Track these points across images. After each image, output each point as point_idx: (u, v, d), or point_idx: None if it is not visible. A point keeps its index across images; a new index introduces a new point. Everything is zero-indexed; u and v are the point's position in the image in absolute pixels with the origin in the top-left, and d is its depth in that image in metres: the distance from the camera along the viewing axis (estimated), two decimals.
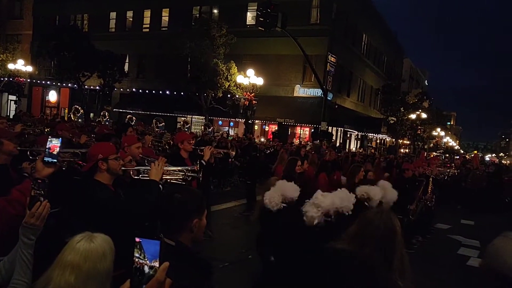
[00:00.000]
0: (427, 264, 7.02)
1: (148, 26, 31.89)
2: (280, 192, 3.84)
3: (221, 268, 5.86)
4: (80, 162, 3.75)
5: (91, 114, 26.23)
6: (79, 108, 12.60)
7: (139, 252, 1.24)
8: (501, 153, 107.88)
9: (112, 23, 33.56)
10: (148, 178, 3.24)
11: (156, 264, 1.24)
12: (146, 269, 1.25)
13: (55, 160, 2.42)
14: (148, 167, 3.35)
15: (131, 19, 32.89)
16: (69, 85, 28.24)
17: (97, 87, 27.18)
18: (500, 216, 11.77)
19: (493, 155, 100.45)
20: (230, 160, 11.72)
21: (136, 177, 3.46)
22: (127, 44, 30.43)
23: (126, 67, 30.10)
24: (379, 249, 2.05)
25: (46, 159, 2.41)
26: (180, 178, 3.62)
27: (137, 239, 1.26)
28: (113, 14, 33.30)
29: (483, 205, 13.12)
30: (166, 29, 29.61)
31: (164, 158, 3.76)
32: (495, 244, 1.53)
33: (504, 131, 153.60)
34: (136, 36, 30.97)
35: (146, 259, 1.24)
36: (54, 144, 2.43)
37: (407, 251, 6.81)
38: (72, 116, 11.97)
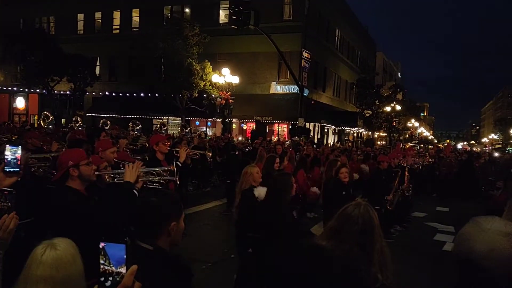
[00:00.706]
0: (405, 251, 7.17)
1: (118, 27, 31.30)
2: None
3: (203, 269, 5.83)
4: (54, 172, 3.64)
5: (63, 120, 25.54)
6: (49, 114, 12.22)
7: (104, 258, 1.19)
8: (472, 141, 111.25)
9: (80, 25, 32.79)
10: (122, 181, 3.16)
11: (123, 270, 1.19)
12: (112, 275, 1.20)
13: (18, 169, 2.31)
14: (123, 171, 3.28)
15: (100, 20, 32.21)
16: (38, 90, 27.45)
17: (68, 92, 26.47)
18: (473, 201, 12.13)
19: (465, 143, 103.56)
20: (209, 160, 11.64)
21: (111, 181, 3.38)
22: (97, 47, 29.80)
23: (97, 70, 29.46)
24: (358, 243, 2.05)
25: (6, 168, 2.29)
26: (156, 183, 3.56)
27: (101, 244, 1.20)
28: (80, 16, 32.55)
29: (457, 192, 13.52)
30: (137, 30, 29.18)
31: (140, 162, 3.68)
32: (464, 230, 1.53)
33: (475, 119, 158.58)
34: (106, 38, 30.36)
35: (111, 265, 1.20)
36: (13, 152, 2.32)
37: (386, 241, 6.96)
38: (42, 123, 11.61)
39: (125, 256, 1.21)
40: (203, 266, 5.91)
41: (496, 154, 25.37)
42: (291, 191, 3.95)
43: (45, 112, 12.56)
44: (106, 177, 3.48)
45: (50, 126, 11.48)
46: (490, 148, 59.19)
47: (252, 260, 4.09)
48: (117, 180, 3.39)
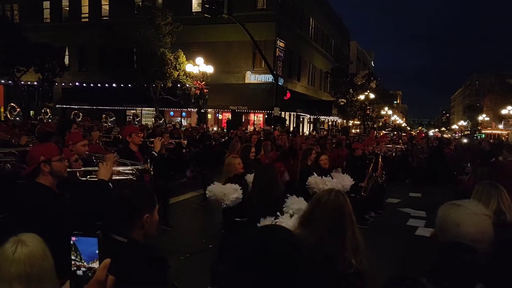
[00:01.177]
0: (380, 237, 7.32)
1: (87, 15, 30.35)
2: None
3: (182, 260, 5.81)
4: (24, 166, 3.50)
5: (31, 112, 24.70)
6: (16, 106, 11.75)
7: (75, 253, 1.15)
8: (443, 128, 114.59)
9: (47, 13, 31.60)
10: (96, 179, 3.09)
11: (95, 264, 1.15)
12: (84, 270, 1.16)
13: None
14: (96, 168, 3.20)
15: (67, 8, 31.14)
16: (3, 81, 26.34)
17: (36, 83, 25.57)
18: (445, 186, 12.52)
19: (436, 130, 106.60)
20: (184, 150, 11.52)
21: (83, 178, 3.29)
22: (65, 36, 28.83)
23: (66, 60, 28.56)
24: (329, 230, 2.07)
25: None
26: (130, 176, 3.50)
27: (72, 239, 1.16)
28: (46, 4, 31.37)
29: (429, 178, 13.91)
30: (107, 18, 28.34)
31: (112, 155, 3.60)
32: (447, 215, 1.56)
33: (445, 107, 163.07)
34: (75, 27, 29.40)
35: (83, 261, 1.16)
36: None
37: (361, 227, 7.07)
38: (8, 115, 11.16)
39: (97, 251, 1.18)
40: (181, 257, 5.88)
41: (465, 140, 26.22)
42: (277, 180, 4.12)
43: (12, 103, 12.05)
44: (78, 174, 3.38)
45: (18, 118, 11.04)
46: (460, 134, 61.16)
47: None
48: (89, 177, 3.29)
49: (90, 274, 1.17)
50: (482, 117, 58.10)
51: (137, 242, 1.85)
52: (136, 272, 1.69)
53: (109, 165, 3.15)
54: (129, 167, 3.65)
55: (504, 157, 7.43)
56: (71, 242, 1.17)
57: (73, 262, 1.17)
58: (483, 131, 53.89)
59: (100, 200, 2.79)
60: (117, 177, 3.41)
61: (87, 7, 30.27)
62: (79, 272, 1.17)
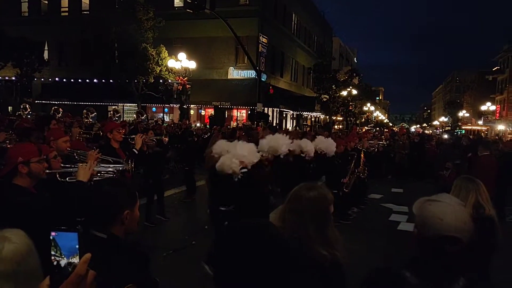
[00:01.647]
0: (363, 232, 7.44)
1: (66, 9, 29.72)
2: (237, 157, 4.12)
3: (165, 256, 5.79)
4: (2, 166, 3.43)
5: (9, 108, 24.12)
6: None
7: (55, 249, 1.14)
8: (424, 124, 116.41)
9: (24, 7, 30.81)
10: (75, 180, 3.07)
11: (75, 259, 1.15)
12: (63, 264, 1.16)
13: None
14: (75, 169, 3.16)
15: (46, 2, 30.41)
16: None
17: (14, 78, 24.95)
18: (426, 182, 12.76)
19: (418, 126, 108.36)
20: (166, 144, 11.44)
21: (62, 179, 3.25)
22: (44, 30, 28.16)
23: (45, 55, 27.95)
24: (293, 221, 2.10)
25: None
26: (110, 172, 3.47)
27: (52, 233, 1.15)
28: None
29: (411, 174, 14.16)
30: (88, 12, 27.83)
31: (94, 152, 3.56)
32: (428, 212, 1.60)
33: (426, 103, 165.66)
34: (54, 21, 28.72)
35: (63, 256, 1.15)
36: None
37: (344, 222, 7.17)
38: None
39: (77, 246, 1.16)
40: (164, 253, 5.85)
41: (446, 136, 26.71)
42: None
43: None
44: (57, 174, 3.33)
45: None
46: (441, 130, 62.27)
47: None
48: (69, 179, 3.25)
49: (70, 269, 1.16)
50: (462, 113, 59.22)
51: (117, 237, 1.85)
52: (116, 268, 1.69)
53: (89, 165, 3.12)
54: (110, 169, 3.62)
55: (479, 152, 7.64)
56: (51, 237, 1.16)
57: (52, 258, 1.16)
58: (463, 127, 54.99)
59: (79, 200, 2.76)
60: (98, 178, 3.39)
61: (67, 1, 29.63)
62: (60, 268, 1.17)
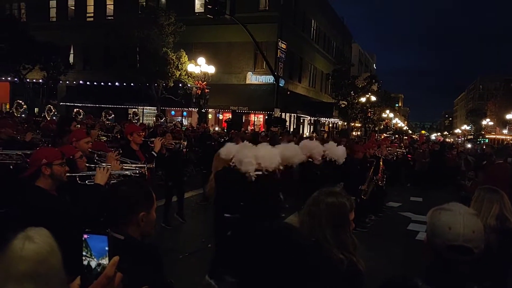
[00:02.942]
0: (380, 240, 7.34)
1: (92, 15, 30.49)
2: (257, 158, 4.29)
3: (181, 259, 5.85)
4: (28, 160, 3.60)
5: (36, 109, 24.84)
6: (22, 103, 11.88)
7: (86, 249, 1.23)
8: (445, 132, 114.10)
9: (53, 12, 31.76)
10: (93, 183, 3.17)
11: (104, 261, 1.23)
12: (93, 265, 1.24)
13: None
14: (94, 173, 3.26)
15: (73, 7, 31.29)
16: (9, 79, 26.52)
17: (41, 80, 25.72)
18: (445, 191, 12.49)
19: (438, 134, 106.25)
20: (184, 150, 11.60)
21: (81, 182, 3.37)
22: (70, 34, 28.98)
23: (71, 59, 28.73)
24: (311, 225, 2.14)
25: None
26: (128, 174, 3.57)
27: (84, 236, 1.24)
28: (52, 3, 31.54)
29: (430, 182, 13.88)
30: (112, 18, 28.49)
31: (113, 154, 3.67)
32: (438, 221, 1.61)
33: (448, 110, 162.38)
34: (80, 26, 29.53)
35: (93, 257, 1.23)
36: None
37: (361, 230, 7.11)
38: (14, 111, 11.28)
39: (106, 248, 1.23)
40: (180, 256, 5.92)
41: (469, 145, 26.11)
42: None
43: (18, 100, 12.17)
44: (77, 177, 3.46)
45: (23, 115, 11.17)
46: (462, 138, 60.86)
47: (230, 242, 4.24)
48: (88, 182, 3.34)
49: (99, 270, 1.23)
50: (486, 122, 57.78)
51: (133, 239, 1.85)
52: (132, 269, 1.74)
53: (107, 171, 3.20)
54: (127, 173, 3.66)
55: (494, 160, 7.46)
56: (83, 238, 1.24)
57: (84, 258, 1.24)
58: (486, 136, 53.63)
59: (97, 204, 2.82)
60: (114, 181, 3.48)
61: (92, 6, 30.40)
62: (90, 268, 1.25)
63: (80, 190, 3.25)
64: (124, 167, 3.66)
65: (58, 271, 1.65)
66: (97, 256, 1.23)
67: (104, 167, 3.26)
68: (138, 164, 3.91)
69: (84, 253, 1.23)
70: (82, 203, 2.98)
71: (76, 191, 3.21)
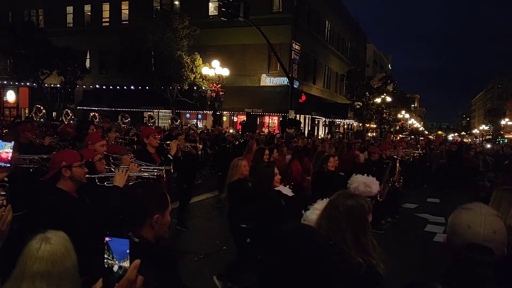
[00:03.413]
0: (396, 242, 7.25)
1: (107, 20, 30.99)
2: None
3: (196, 261, 5.87)
4: (47, 165, 3.67)
5: (54, 113, 25.34)
6: (41, 107, 12.11)
7: (108, 252, 1.24)
8: (463, 132, 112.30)
9: (70, 18, 32.40)
10: (112, 184, 3.20)
11: (125, 264, 1.23)
12: (116, 268, 1.25)
13: (8, 165, 2.34)
14: (113, 174, 3.29)
15: (89, 13, 31.85)
16: (28, 84, 27.13)
17: (58, 85, 26.23)
18: (463, 192, 12.27)
19: (456, 134, 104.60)
20: (199, 152, 11.67)
21: (100, 183, 3.41)
22: (86, 39, 29.51)
23: (87, 63, 29.22)
24: (329, 228, 2.14)
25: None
26: (146, 176, 3.60)
27: (106, 239, 1.25)
28: (69, 9, 32.17)
29: (447, 183, 13.66)
30: (127, 22, 28.90)
31: (128, 157, 3.70)
32: (459, 219, 1.58)
33: (465, 110, 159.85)
34: (96, 31, 30.05)
35: (115, 259, 1.24)
36: (5, 150, 2.36)
37: (377, 232, 7.00)
38: (34, 116, 11.52)
39: (128, 251, 1.23)
40: (195, 258, 5.94)
41: (488, 146, 25.60)
42: (273, 181, 4.08)
43: (37, 105, 12.42)
44: (96, 179, 3.51)
45: (42, 120, 11.40)
46: (480, 139, 59.76)
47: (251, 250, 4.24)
48: (107, 183, 3.38)
49: (120, 273, 1.24)
50: (505, 122, 56.64)
51: (147, 241, 1.86)
52: (146, 272, 1.76)
53: (125, 172, 3.23)
54: (145, 174, 3.67)
55: None
56: (105, 241, 1.25)
57: (105, 260, 1.26)
58: (506, 136, 52.59)
59: (115, 206, 2.86)
60: (134, 180, 3.51)
61: (108, 11, 30.90)
62: (112, 270, 1.26)
63: (99, 192, 3.29)
64: (142, 169, 3.68)
65: (71, 274, 1.72)
66: (118, 259, 1.24)
67: (123, 169, 3.28)
68: (155, 166, 3.94)
69: (106, 256, 1.24)
70: (101, 205, 3.01)
71: (95, 193, 3.25)
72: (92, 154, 3.71)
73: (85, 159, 3.29)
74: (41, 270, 1.64)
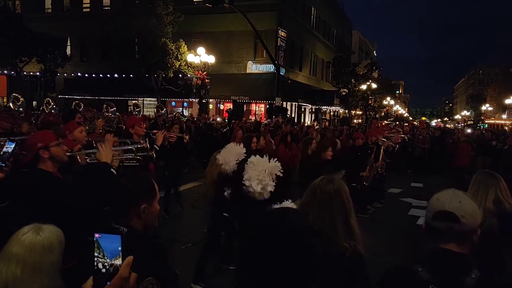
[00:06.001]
0: (381, 226, 7.38)
1: (88, 5, 30.24)
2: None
3: (183, 250, 5.86)
4: (24, 152, 3.54)
5: (34, 103, 24.75)
6: (19, 96, 11.75)
7: (98, 250, 1.18)
8: (446, 118, 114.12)
9: (48, 3, 31.51)
10: (96, 161, 3.08)
11: (117, 261, 1.18)
12: (107, 266, 1.19)
13: (3, 165, 2.29)
14: (95, 151, 3.17)
15: None
16: (6, 72, 26.35)
17: (38, 73, 25.56)
18: (446, 176, 12.53)
19: (439, 120, 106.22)
20: (185, 141, 11.56)
21: (85, 162, 3.33)
22: (67, 26, 28.73)
23: (68, 51, 28.50)
24: (319, 214, 2.14)
25: None
26: (132, 160, 3.52)
27: (96, 235, 1.19)
28: None
29: (430, 168, 13.93)
30: (109, 8, 28.23)
31: (111, 135, 3.60)
32: (430, 202, 1.65)
33: (448, 97, 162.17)
34: (76, 17, 29.30)
35: (106, 257, 1.18)
36: (8, 148, 2.33)
37: (363, 216, 7.07)
38: (11, 105, 11.18)
39: (120, 248, 1.19)
40: (182, 246, 5.94)
41: (469, 131, 26.06)
42: None
43: (15, 94, 12.04)
44: (79, 158, 3.41)
45: (21, 109, 11.07)
46: (462, 124, 60.86)
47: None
48: (89, 160, 3.30)
49: (111, 271, 1.19)
50: (486, 107, 57.74)
51: (136, 230, 1.84)
52: (136, 261, 1.73)
53: (108, 145, 3.11)
54: (130, 147, 3.64)
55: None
56: (94, 238, 1.20)
57: (95, 259, 1.20)
58: (486, 121, 53.65)
59: (103, 184, 2.80)
60: (120, 158, 3.42)
61: None
62: (102, 269, 1.20)
63: (83, 171, 3.21)
64: (118, 142, 3.60)
65: (48, 269, 1.74)
66: (110, 256, 1.19)
67: (105, 143, 3.14)
68: (136, 143, 3.88)
69: (96, 254, 1.19)
70: (88, 185, 2.90)
71: (80, 174, 3.18)
72: (72, 144, 3.59)
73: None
74: (17, 254, 1.67)
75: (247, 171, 3.78)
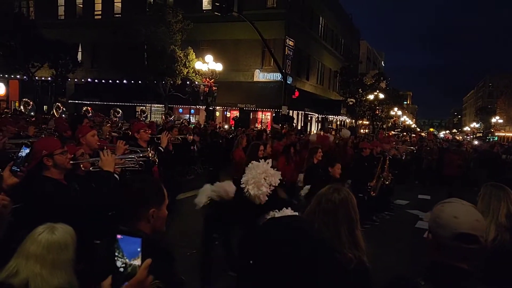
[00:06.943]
0: (387, 237, 7.32)
1: (100, 13, 30.64)
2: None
3: (188, 256, 5.86)
4: None
5: (45, 107, 25.05)
6: (29, 100, 11.95)
7: (118, 250, 1.22)
8: (454, 129, 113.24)
9: (61, 10, 31.97)
10: (99, 169, 3.13)
11: (136, 262, 1.22)
12: (126, 267, 1.23)
13: (18, 170, 2.35)
14: (98, 158, 3.21)
15: (81, 5, 31.46)
16: (18, 76, 26.77)
17: (49, 78, 25.91)
18: (454, 188, 12.38)
19: (447, 131, 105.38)
20: (192, 147, 11.63)
21: (88, 169, 3.37)
22: (78, 32, 29.13)
23: (79, 57, 28.86)
24: (324, 223, 2.14)
25: (14, 168, 2.34)
26: (135, 165, 3.56)
27: (118, 236, 1.23)
28: (61, 1, 31.77)
29: (438, 180, 13.76)
30: (120, 16, 28.62)
31: (122, 145, 3.65)
32: (431, 216, 1.63)
33: (457, 108, 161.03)
34: (88, 24, 29.70)
35: (125, 257, 1.22)
36: (23, 153, 2.40)
37: (368, 227, 7.00)
38: (22, 109, 11.35)
39: (139, 249, 1.23)
40: (187, 253, 5.94)
41: (476, 142, 25.86)
42: None
43: (25, 98, 12.24)
44: (82, 166, 3.45)
45: (32, 113, 11.25)
46: (471, 136, 60.36)
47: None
48: (92, 168, 3.32)
49: (129, 270, 1.22)
50: (496, 119, 57.24)
51: (145, 235, 1.82)
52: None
53: (110, 154, 3.14)
54: (132, 156, 3.66)
55: None
56: (116, 238, 1.24)
57: (116, 258, 1.23)
58: (496, 134, 53.15)
59: (107, 190, 2.86)
60: (122, 166, 3.46)
61: (100, 4, 30.55)
62: (120, 268, 1.24)
63: (88, 178, 3.24)
64: (129, 150, 3.64)
65: (65, 265, 1.86)
66: (128, 257, 1.23)
67: (107, 151, 3.17)
68: (141, 151, 3.91)
69: (116, 254, 1.23)
70: (93, 191, 2.96)
71: (84, 180, 3.21)
72: (74, 150, 3.62)
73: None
74: (36, 253, 1.79)
75: (246, 174, 3.83)
